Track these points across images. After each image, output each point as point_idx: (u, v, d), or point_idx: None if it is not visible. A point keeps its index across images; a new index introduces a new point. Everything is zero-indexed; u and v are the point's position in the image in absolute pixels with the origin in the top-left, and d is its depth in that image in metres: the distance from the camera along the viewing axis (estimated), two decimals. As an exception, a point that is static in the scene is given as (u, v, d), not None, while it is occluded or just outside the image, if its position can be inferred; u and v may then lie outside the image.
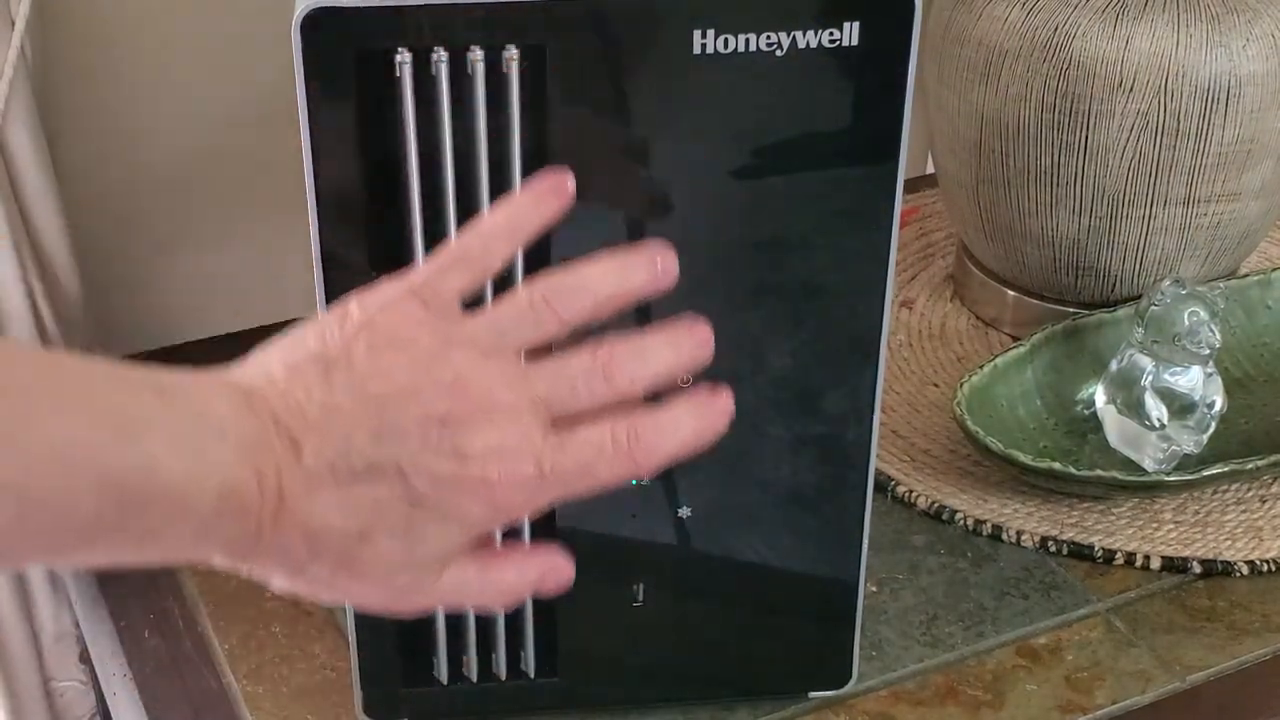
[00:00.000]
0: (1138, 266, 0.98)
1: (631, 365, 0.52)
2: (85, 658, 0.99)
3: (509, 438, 0.49)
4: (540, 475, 0.49)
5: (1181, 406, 0.88)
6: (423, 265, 0.52)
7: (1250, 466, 0.86)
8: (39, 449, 0.41)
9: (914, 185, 1.22)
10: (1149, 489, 0.87)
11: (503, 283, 0.62)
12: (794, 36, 0.59)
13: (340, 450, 0.47)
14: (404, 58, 0.57)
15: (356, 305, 0.50)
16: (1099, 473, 0.85)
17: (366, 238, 0.61)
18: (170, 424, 0.44)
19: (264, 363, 0.50)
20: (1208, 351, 0.87)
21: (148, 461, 0.43)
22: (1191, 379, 0.88)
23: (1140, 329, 0.89)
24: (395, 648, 0.71)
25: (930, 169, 1.26)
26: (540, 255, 0.62)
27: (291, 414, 0.47)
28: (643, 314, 0.64)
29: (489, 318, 0.51)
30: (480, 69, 0.58)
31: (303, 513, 0.47)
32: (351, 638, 0.70)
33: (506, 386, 0.49)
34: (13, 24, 0.93)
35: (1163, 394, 0.88)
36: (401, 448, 0.48)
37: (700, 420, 0.53)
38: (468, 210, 0.60)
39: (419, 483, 0.48)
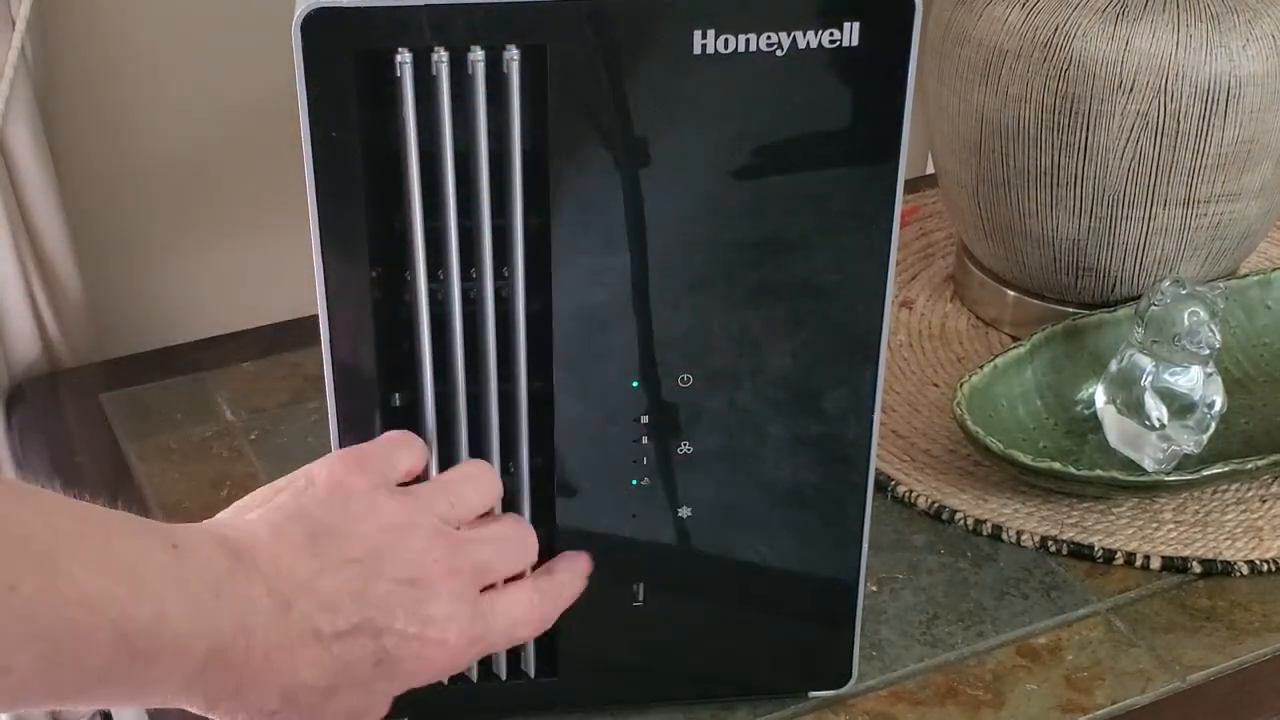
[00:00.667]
0: (1138, 266, 0.98)
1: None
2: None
3: (461, 604, 0.55)
4: (482, 636, 0.57)
5: (1181, 406, 0.88)
6: (377, 441, 0.59)
7: (1250, 466, 0.86)
8: (69, 601, 0.43)
9: (914, 185, 1.22)
10: (1149, 489, 0.87)
11: (503, 281, 0.62)
12: (794, 36, 0.59)
13: (328, 613, 0.51)
14: (404, 58, 0.57)
15: (323, 469, 0.55)
16: (1099, 473, 0.85)
17: (367, 238, 0.61)
18: (180, 581, 0.47)
19: (248, 523, 0.53)
20: (1208, 351, 0.87)
21: (160, 617, 0.46)
22: (1191, 379, 0.88)
23: (1140, 329, 0.89)
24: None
25: (930, 169, 1.26)
26: (541, 255, 0.62)
27: (281, 577, 0.51)
28: (643, 315, 0.64)
29: (440, 492, 0.58)
30: (480, 69, 0.58)
31: (284, 670, 0.50)
32: (351, 638, 0.70)
33: (456, 556, 0.56)
34: (13, 24, 0.93)
35: (1163, 394, 0.88)
36: (378, 610, 0.52)
37: (578, 579, 0.65)
38: (468, 210, 0.60)
39: (389, 642, 0.53)
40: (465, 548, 0.57)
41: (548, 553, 0.68)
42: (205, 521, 0.53)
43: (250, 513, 0.53)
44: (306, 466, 0.56)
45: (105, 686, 0.45)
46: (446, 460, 0.65)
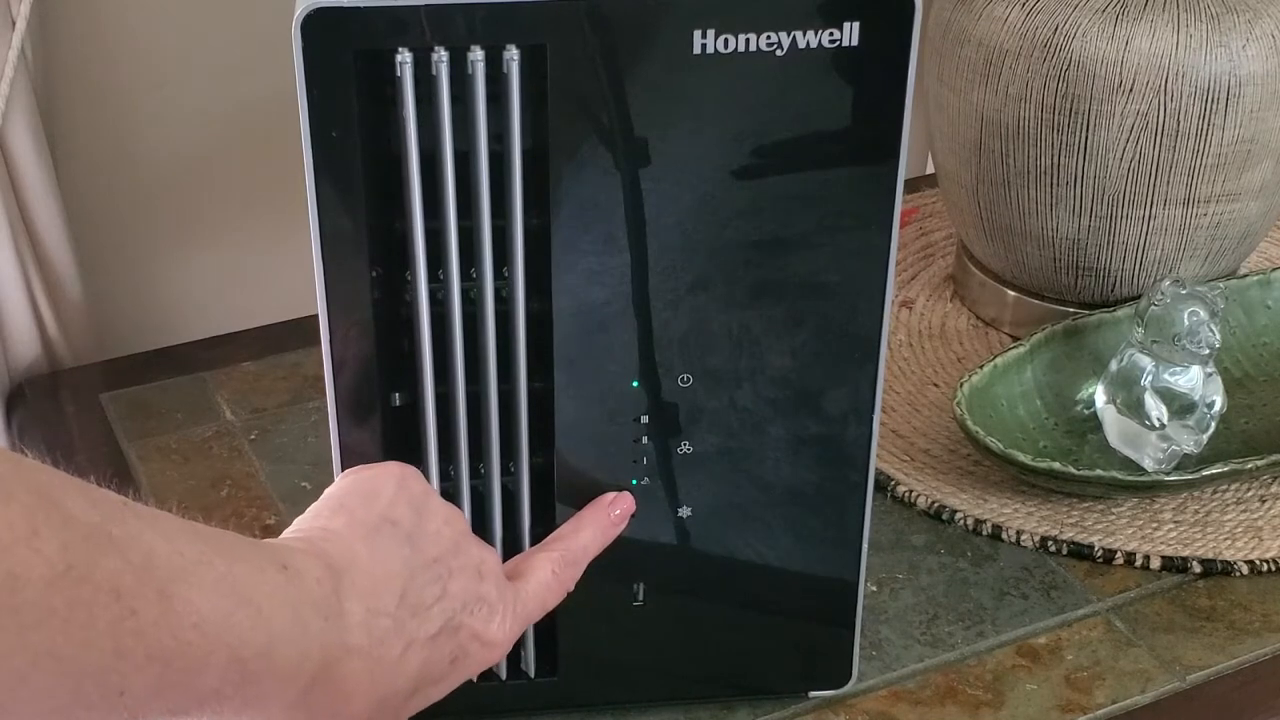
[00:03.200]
0: (1138, 266, 0.98)
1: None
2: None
3: (507, 592, 0.58)
4: (525, 621, 0.60)
5: (1181, 406, 0.88)
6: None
7: (1250, 466, 0.86)
8: (187, 624, 0.44)
9: (914, 185, 1.22)
10: (1149, 489, 0.87)
11: (503, 281, 0.62)
12: (794, 36, 0.59)
13: (418, 618, 0.53)
14: (404, 58, 0.57)
15: (382, 477, 0.57)
16: (1099, 473, 0.85)
17: (367, 237, 0.61)
18: (291, 604, 0.48)
19: (342, 537, 0.53)
20: (1208, 351, 0.87)
21: (271, 642, 0.47)
22: (1191, 379, 0.88)
23: (1140, 329, 0.89)
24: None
25: (930, 169, 1.26)
26: (541, 255, 0.62)
27: (378, 593, 0.52)
28: (643, 315, 0.64)
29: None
30: (480, 69, 0.58)
31: (383, 683, 0.52)
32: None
33: (489, 551, 0.59)
34: (13, 24, 0.93)
35: (1163, 394, 0.88)
36: (456, 607, 0.55)
37: (604, 533, 0.65)
38: (467, 210, 0.60)
39: (463, 638, 0.55)
40: (491, 551, 0.59)
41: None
42: (302, 535, 0.53)
43: (335, 521, 0.54)
44: (357, 476, 0.57)
45: (214, 704, 0.46)
46: (447, 461, 0.65)
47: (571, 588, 0.62)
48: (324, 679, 0.50)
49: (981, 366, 0.91)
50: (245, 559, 0.47)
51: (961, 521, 0.87)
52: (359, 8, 0.56)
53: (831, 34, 0.59)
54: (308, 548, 0.52)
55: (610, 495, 0.66)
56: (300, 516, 0.55)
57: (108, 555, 0.42)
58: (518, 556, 0.63)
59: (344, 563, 0.52)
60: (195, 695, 0.45)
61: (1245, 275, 1.02)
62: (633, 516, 0.68)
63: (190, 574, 0.44)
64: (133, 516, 0.44)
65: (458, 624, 0.55)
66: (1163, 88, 0.91)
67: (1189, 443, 0.88)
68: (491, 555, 0.58)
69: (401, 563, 0.53)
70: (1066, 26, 0.92)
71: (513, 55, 0.57)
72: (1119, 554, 0.84)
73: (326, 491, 0.56)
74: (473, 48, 0.57)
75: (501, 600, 0.57)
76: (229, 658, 0.45)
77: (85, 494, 0.43)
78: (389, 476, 0.56)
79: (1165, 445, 0.88)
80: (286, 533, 0.54)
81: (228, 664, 0.45)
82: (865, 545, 0.71)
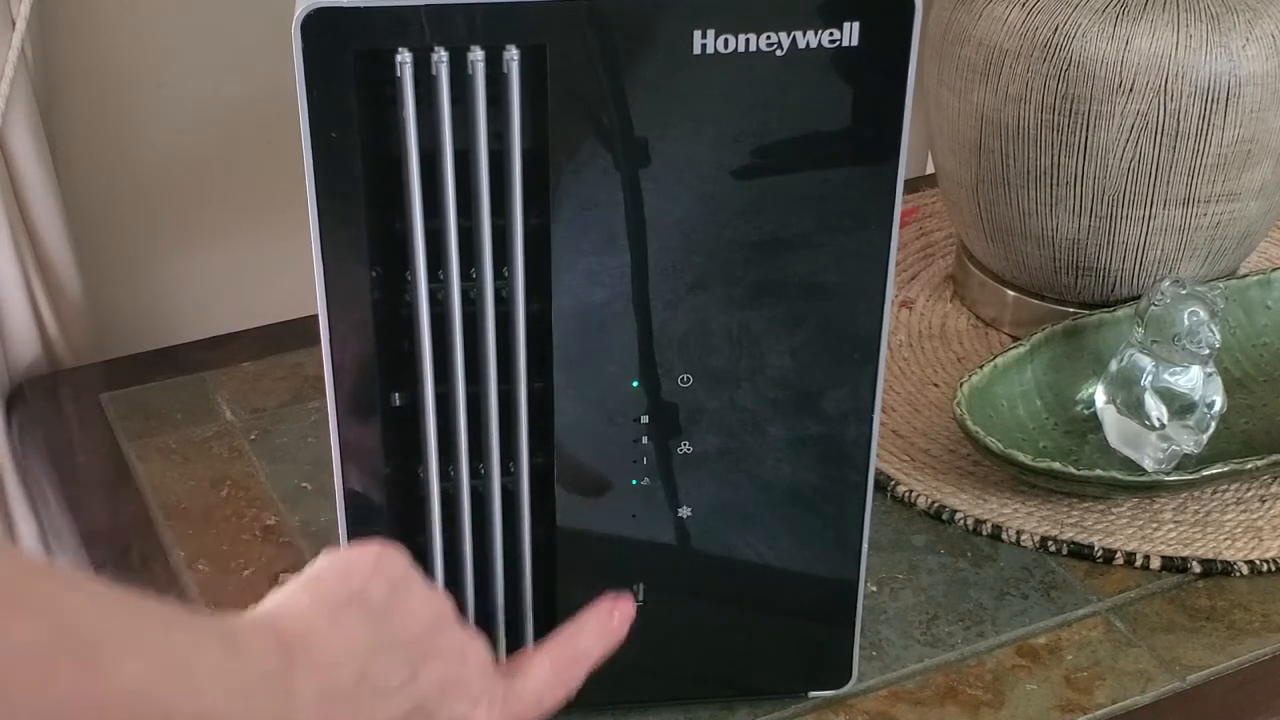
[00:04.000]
0: (1138, 266, 0.98)
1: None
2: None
3: (496, 685, 0.57)
4: (514, 717, 0.58)
5: (1181, 406, 0.88)
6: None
7: (1250, 466, 0.86)
8: (118, 694, 0.42)
9: (914, 185, 1.22)
10: (1149, 489, 0.87)
11: (503, 281, 0.62)
12: (794, 36, 0.59)
13: (381, 700, 0.51)
14: (404, 58, 0.57)
15: (360, 555, 0.55)
16: (1099, 473, 0.85)
17: (366, 238, 0.61)
18: (229, 678, 0.46)
19: (304, 611, 0.52)
20: (1208, 351, 0.87)
21: (205, 713, 0.45)
22: (1191, 379, 0.88)
23: (1140, 329, 0.89)
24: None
25: (930, 169, 1.26)
26: (541, 255, 0.62)
27: (334, 669, 0.50)
28: (643, 315, 0.64)
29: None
30: (480, 69, 0.58)
31: None
32: (351, 638, 0.70)
33: (477, 641, 0.57)
34: (13, 24, 0.93)
35: (1163, 394, 0.88)
36: (427, 694, 0.53)
37: (605, 638, 0.62)
38: (467, 210, 0.60)
39: None
40: (477, 636, 0.58)
41: (549, 553, 0.68)
42: (263, 610, 0.52)
43: (300, 598, 0.53)
44: (335, 554, 0.55)
45: None
46: (447, 461, 0.65)
47: (575, 686, 0.60)
48: None
49: (981, 366, 0.91)
50: (182, 628, 0.46)
51: (961, 521, 0.87)
52: (359, 8, 0.56)
53: (831, 34, 0.59)
54: (261, 623, 0.50)
55: (610, 599, 0.63)
56: (271, 594, 0.54)
57: (21, 619, 0.40)
58: (518, 653, 0.61)
59: (299, 640, 0.50)
60: None
61: (1245, 275, 1.02)
62: (633, 516, 0.68)
63: (115, 640, 0.43)
64: (49, 580, 0.43)
65: (430, 710, 0.53)
66: (1163, 88, 0.91)
67: (1189, 443, 0.88)
68: (477, 644, 0.56)
69: (365, 642, 0.51)
70: (1066, 26, 0.92)
71: (513, 55, 0.57)
72: (1119, 554, 0.84)
73: (304, 570, 0.55)
74: (473, 48, 0.57)
75: (486, 690, 0.55)
76: None
77: (3, 555, 0.41)
78: (367, 555, 0.55)
79: (1165, 445, 0.88)
80: (254, 610, 0.52)
81: None
82: (865, 545, 0.71)
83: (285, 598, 0.53)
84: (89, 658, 0.42)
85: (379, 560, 0.55)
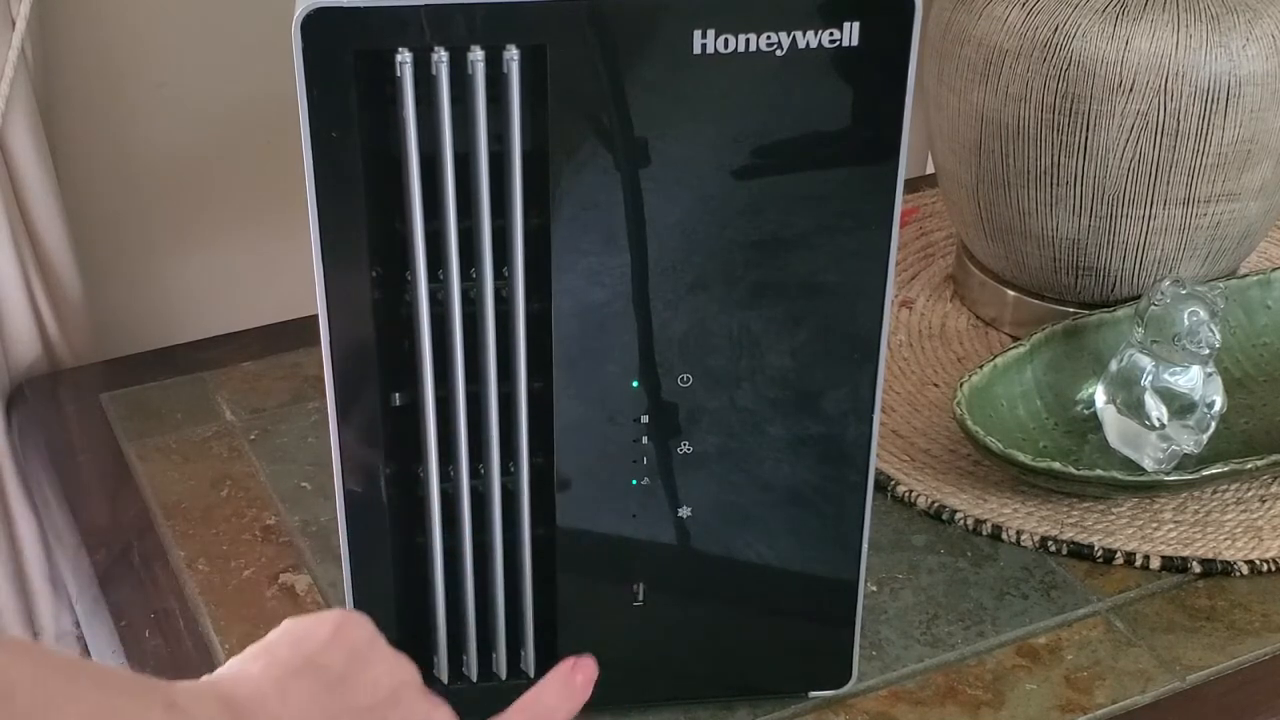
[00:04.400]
0: (1138, 266, 0.98)
1: None
2: (86, 657, 0.99)
3: None
4: None
5: (1181, 406, 0.88)
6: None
7: (1250, 466, 0.86)
8: None
9: (914, 185, 1.22)
10: (1149, 489, 0.87)
11: (503, 281, 0.62)
12: (794, 36, 0.59)
13: None
14: (404, 58, 0.57)
15: (320, 621, 0.54)
16: (1099, 473, 0.85)
17: (366, 237, 0.61)
18: None
19: (253, 679, 0.51)
20: (1208, 351, 0.87)
21: None
22: (1191, 379, 0.88)
23: (1140, 329, 0.89)
24: (395, 647, 0.70)
25: (930, 169, 1.26)
26: (541, 255, 0.62)
27: None
28: (643, 315, 0.64)
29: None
30: (480, 69, 0.58)
31: None
32: (351, 638, 0.70)
33: (441, 709, 0.55)
34: (13, 24, 0.93)
35: (1163, 394, 0.88)
36: None
37: (569, 699, 0.60)
38: (467, 210, 0.60)
39: None
40: (442, 705, 0.56)
41: (549, 553, 0.68)
42: (210, 677, 0.51)
43: (254, 664, 0.52)
44: (295, 621, 0.55)
45: None
46: (447, 461, 0.65)
47: None
48: None
49: (981, 366, 0.91)
50: (128, 694, 0.45)
51: (961, 521, 0.87)
52: (359, 8, 0.56)
53: (831, 34, 0.59)
54: (209, 690, 0.49)
55: (570, 661, 0.61)
56: (227, 661, 0.53)
57: None
58: None
59: (248, 706, 0.49)
60: None
61: (1245, 275, 1.02)
62: (633, 516, 0.68)
63: (58, 708, 0.42)
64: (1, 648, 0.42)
65: None
66: (1163, 88, 0.91)
67: (1189, 443, 0.88)
68: (442, 709, 0.55)
69: (319, 710, 0.51)
70: (1066, 26, 0.92)
71: (513, 55, 0.57)
72: (1119, 554, 0.84)
73: (265, 636, 0.54)
74: (473, 48, 0.57)
75: None
76: None
77: None
78: (327, 622, 0.54)
79: (1165, 445, 0.88)
80: (204, 677, 0.52)
81: None
82: (865, 545, 0.71)
83: (237, 665, 0.52)
84: None
85: (339, 628, 0.53)
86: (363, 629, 0.54)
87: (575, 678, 0.60)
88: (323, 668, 0.52)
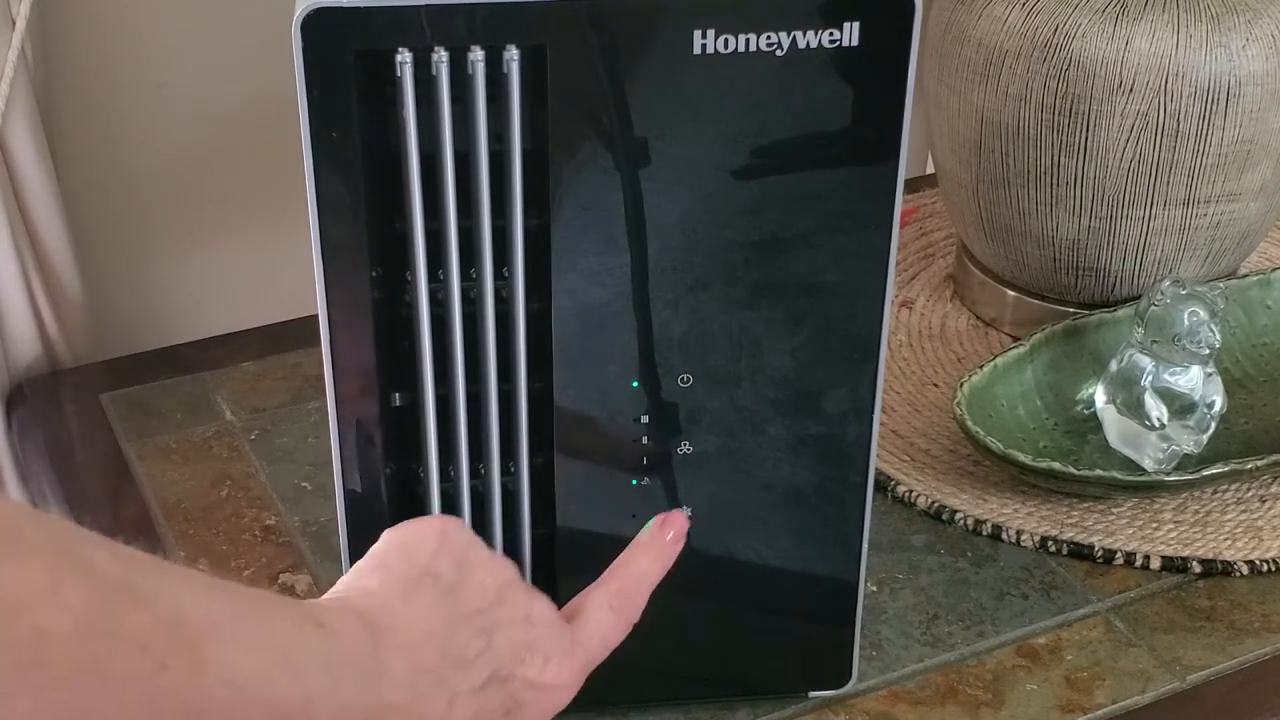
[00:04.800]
0: (1138, 266, 0.98)
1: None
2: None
3: (563, 637, 0.57)
4: (587, 664, 0.58)
5: (1181, 406, 0.88)
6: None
7: (1250, 466, 0.86)
8: (220, 680, 0.43)
9: (914, 185, 1.22)
10: (1149, 489, 0.87)
11: (503, 281, 0.62)
12: (794, 36, 0.59)
13: (462, 670, 0.52)
14: (404, 58, 0.57)
15: (422, 529, 0.55)
16: (1099, 473, 0.85)
17: (366, 238, 0.61)
18: (328, 662, 0.47)
19: (379, 594, 0.53)
20: (1208, 351, 0.87)
21: (308, 700, 0.46)
22: (1191, 379, 0.88)
23: (1140, 329, 0.89)
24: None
25: (930, 169, 1.26)
26: (541, 255, 0.62)
27: (418, 648, 0.51)
28: (643, 315, 0.64)
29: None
30: (480, 69, 0.58)
31: None
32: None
33: (539, 597, 0.57)
34: (13, 24, 0.93)
35: (1163, 394, 0.88)
36: (504, 658, 0.54)
37: (661, 558, 0.61)
38: (467, 210, 0.60)
39: (515, 688, 0.54)
40: (541, 597, 0.58)
41: (549, 553, 0.68)
42: (338, 593, 0.52)
43: (373, 580, 0.53)
44: (397, 531, 0.56)
45: None
46: (447, 461, 0.65)
47: (636, 618, 0.60)
48: None
49: (981, 366, 0.91)
50: (280, 616, 0.47)
51: (961, 521, 0.87)
52: (359, 8, 0.56)
53: (831, 34, 0.59)
54: (345, 606, 0.51)
55: (660, 516, 0.62)
56: (342, 577, 0.54)
57: (134, 610, 0.41)
58: (576, 596, 0.61)
59: (382, 620, 0.51)
60: None
61: (1245, 275, 1.02)
62: (633, 516, 0.68)
63: (223, 630, 0.44)
64: (160, 572, 0.43)
65: (507, 674, 0.54)
66: (1163, 88, 0.91)
67: (1189, 443, 0.88)
68: (541, 602, 0.57)
69: (441, 617, 0.52)
70: (1066, 26, 0.92)
71: (513, 55, 0.57)
72: (1119, 554, 0.84)
73: (370, 549, 0.55)
74: (473, 48, 0.57)
75: (556, 646, 0.56)
76: (265, 714, 0.45)
77: (110, 549, 0.42)
78: (431, 530, 0.55)
79: (1165, 445, 0.88)
80: (328, 593, 0.53)
81: (267, 719, 0.45)
82: (865, 545, 0.71)
83: (355, 581, 0.53)
84: (200, 649, 0.43)
85: (443, 536, 0.55)
86: (463, 532, 0.56)
87: (665, 533, 0.62)
88: (436, 575, 0.53)
